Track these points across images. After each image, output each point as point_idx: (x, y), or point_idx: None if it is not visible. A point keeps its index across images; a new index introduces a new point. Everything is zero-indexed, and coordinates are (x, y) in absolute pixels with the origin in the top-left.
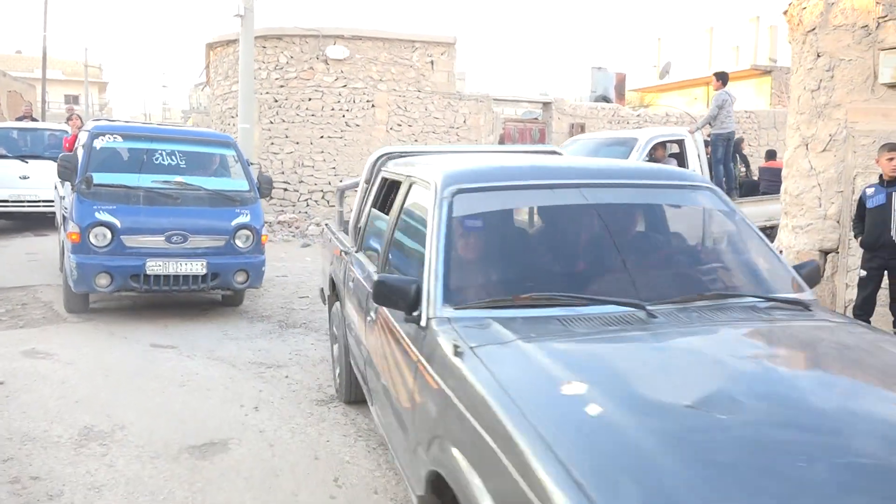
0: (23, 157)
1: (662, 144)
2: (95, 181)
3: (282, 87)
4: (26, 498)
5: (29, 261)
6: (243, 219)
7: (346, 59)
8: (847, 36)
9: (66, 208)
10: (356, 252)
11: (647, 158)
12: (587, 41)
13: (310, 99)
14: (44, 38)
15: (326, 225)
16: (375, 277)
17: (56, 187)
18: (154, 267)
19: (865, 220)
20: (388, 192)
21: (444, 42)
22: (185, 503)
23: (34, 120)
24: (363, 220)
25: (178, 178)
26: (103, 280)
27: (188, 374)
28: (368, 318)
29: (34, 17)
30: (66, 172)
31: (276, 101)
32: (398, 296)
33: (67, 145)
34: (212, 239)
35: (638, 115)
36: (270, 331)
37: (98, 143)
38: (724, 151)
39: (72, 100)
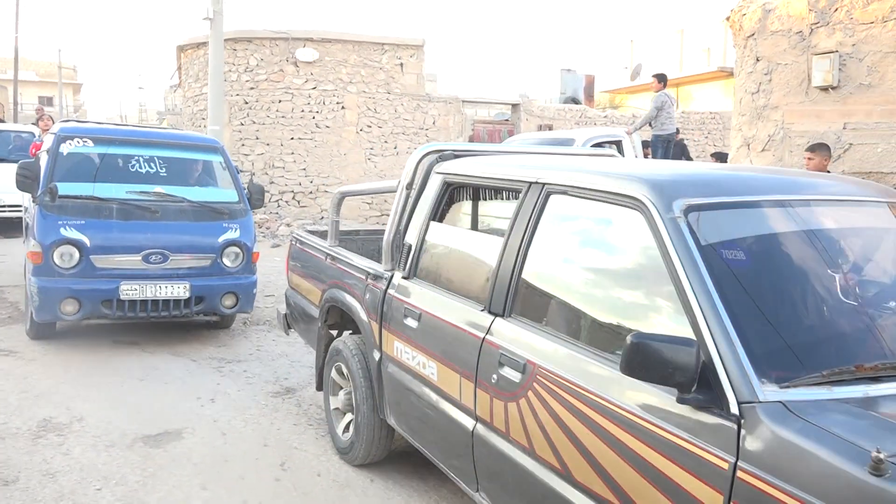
0: None
1: (600, 145)
2: (61, 192)
3: (252, 88)
4: None
5: None
6: (232, 234)
7: (316, 62)
8: (783, 41)
9: (27, 222)
10: (405, 278)
11: None
12: (560, 43)
13: (280, 101)
14: (15, 40)
15: (298, 236)
16: (629, 338)
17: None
18: (129, 291)
19: None
20: (456, 202)
21: (412, 44)
22: (136, 487)
23: (1, 121)
24: (415, 236)
25: (158, 189)
26: (70, 307)
27: (148, 368)
28: (495, 381)
29: (6, 18)
30: (27, 182)
31: (247, 102)
32: (668, 368)
33: (34, 151)
34: (196, 258)
35: (605, 116)
36: (234, 328)
37: (65, 148)
38: (664, 152)
39: (46, 101)
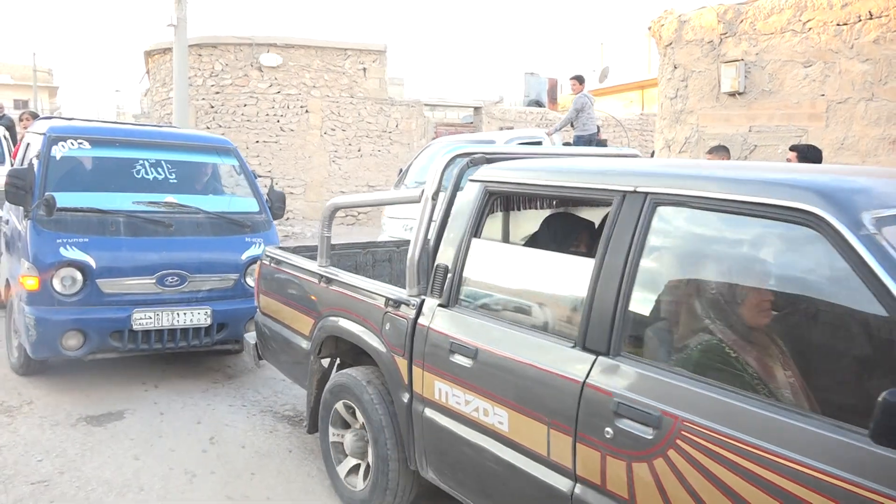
0: None
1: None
2: (59, 204)
3: (217, 93)
4: None
5: None
6: (256, 250)
7: (280, 67)
8: (697, 50)
9: (7, 237)
10: (443, 306)
11: None
12: (528, 47)
13: (245, 105)
14: None
15: (273, 254)
16: (885, 396)
17: None
18: (143, 319)
19: None
20: (502, 214)
21: (375, 50)
22: (75, 458)
23: None
24: (450, 256)
25: (169, 198)
26: (73, 341)
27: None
28: (610, 435)
29: None
30: (19, 194)
31: (213, 107)
32: None
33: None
34: (217, 278)
35: None
36: None
37: (58, 152)
38: None
39: (22, 105)
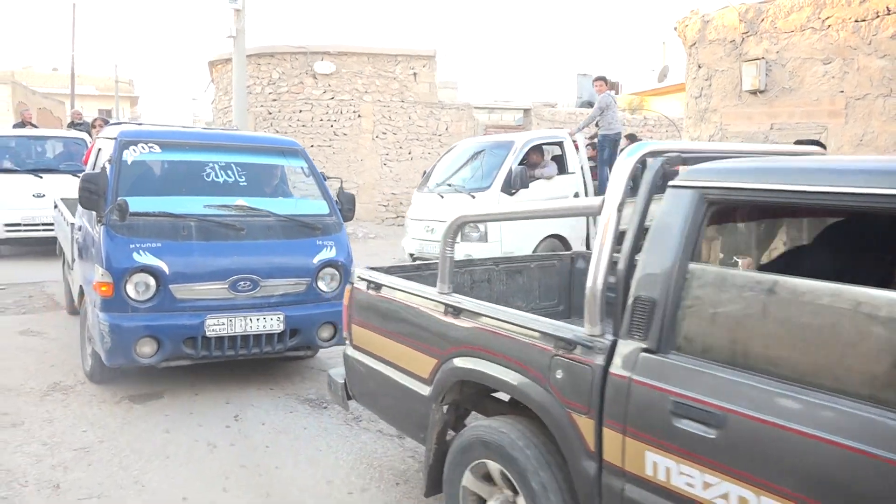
0: (36, 172)
1: (538, 148)
2: (131, 209)
3: (275, 100)
4: None
5: (41, 257)
6: (328, 253)
7: (333, 74)
8: (720, 49)
9: (81, 244)
10: (652, 351)
11: (522, 161)
12: (586, 48)
13: (300, 111)
14: (72, 58)
15: (372, 278)
16: None
17: (57, 205)
18: (216, 326)
19: None
20: (726, 229)
21: (425, 55)
22: (115, 430)
23: (34, 126)
24: (657, 285)
25: (240, 201)
26: (147, 348)
27: None
28: None
29: (68, 37)
30: (92, 198)
31: (270, 113)
32: None
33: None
34: (290, 283)
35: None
36: None
37: (129, 156)
38: (611, 153)
39: (105, 114)
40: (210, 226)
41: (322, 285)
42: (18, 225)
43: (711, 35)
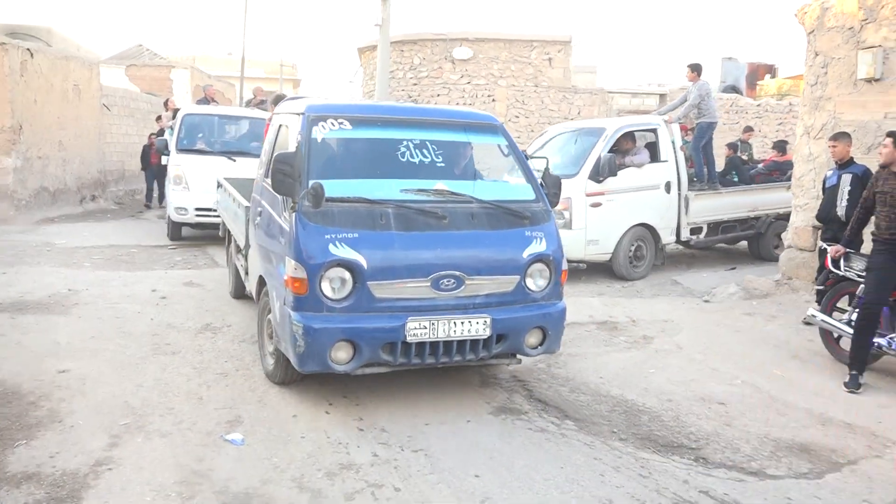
0: (229, 155)
1: (630, 135)
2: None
3: (415, 84)
4: (160, 350)
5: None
6: (538, 246)
7: (470, 59)
8: (838, 36)
9: (264, 230)
10: None
11: (613, 148)
12: (731, 31)
13: (438, 95)
14: (243, 45)
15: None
16: None
17: (222, 185)
18: (417, 330)
19: (823, 198)
20: None
21: (560, 41)
22: (249, 364)
23: (216, 103)
24: None
25: (440, 185)
26: (342, 353)
27: None
28: None
29: (240, 24)
30: (287, 182)
31: (411, 97)
32: None
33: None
34: (497, 281)
35: (758, 105)
36: None
37: (318, 133)
38: (708, 140)
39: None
40: (410, 213)
41: (531, 283)
42: (210, 210)
43: (830, 22)
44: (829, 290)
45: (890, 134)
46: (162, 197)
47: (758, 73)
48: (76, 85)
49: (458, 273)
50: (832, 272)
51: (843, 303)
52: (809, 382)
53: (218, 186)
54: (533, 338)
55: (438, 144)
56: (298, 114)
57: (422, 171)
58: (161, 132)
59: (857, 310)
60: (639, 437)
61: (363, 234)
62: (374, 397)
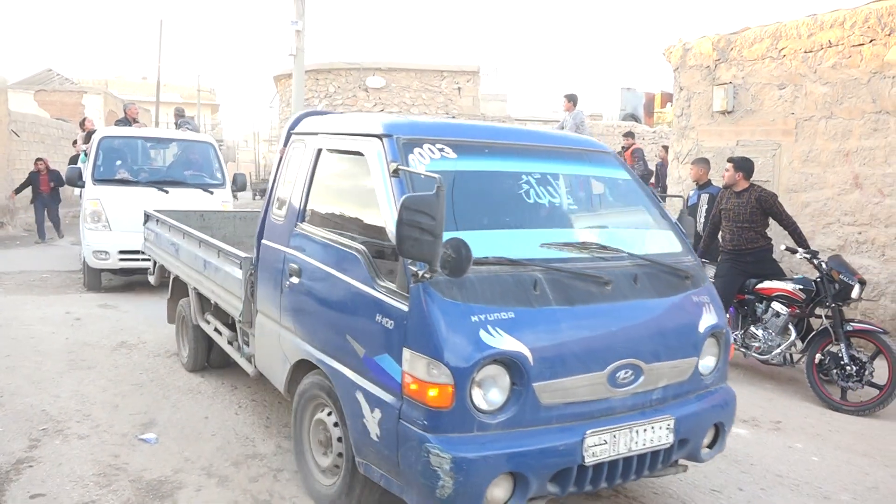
0: (160, 186)
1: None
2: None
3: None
4: (76, 366)
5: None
6: (709, 316)
7: (384, 88)
8: (697, 74)
9: (326, 302)
10: None
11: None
12: (629, 62)
13: None
14: (158, 69)
15: None
16: None
17: (155, 218)
18: (597, 447)
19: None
20: None
21: (469, 71)
22: (164, 374)
23: (139, 124)
24: None
25: (587, 235)
26: (501, 490)
27: None
28: None
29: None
30: (425, 241)
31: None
32: None
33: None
34: (676, 368)
35: (654, 132)
36: None
37: (418, 164)
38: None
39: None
40: (565, 279)
41: (702, 365)
42: (137, 253)
43: (691, 61)
44: None
45: (730, 160)
46: (58, 226)
47: (654, 102)
48: None
49: (635, 361)
50: None
51: None
52: None
53: (149, 220)
54: (707, 438)
55: (563, 179)
56: (370, 135)
57: (555, 216)
58: (75, 159)
59: None
60: None
61: (519, 312)
62: (283, 400)
